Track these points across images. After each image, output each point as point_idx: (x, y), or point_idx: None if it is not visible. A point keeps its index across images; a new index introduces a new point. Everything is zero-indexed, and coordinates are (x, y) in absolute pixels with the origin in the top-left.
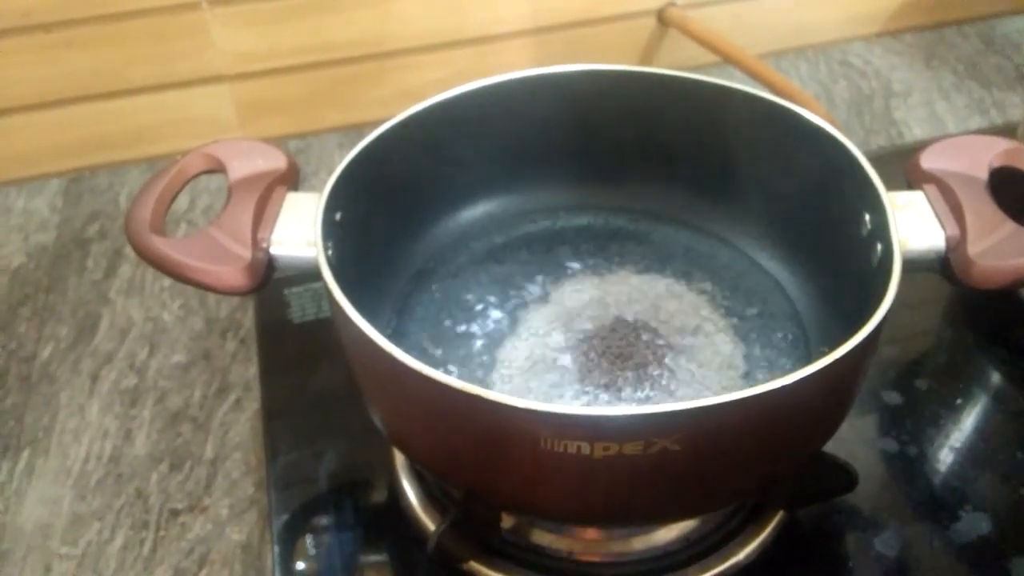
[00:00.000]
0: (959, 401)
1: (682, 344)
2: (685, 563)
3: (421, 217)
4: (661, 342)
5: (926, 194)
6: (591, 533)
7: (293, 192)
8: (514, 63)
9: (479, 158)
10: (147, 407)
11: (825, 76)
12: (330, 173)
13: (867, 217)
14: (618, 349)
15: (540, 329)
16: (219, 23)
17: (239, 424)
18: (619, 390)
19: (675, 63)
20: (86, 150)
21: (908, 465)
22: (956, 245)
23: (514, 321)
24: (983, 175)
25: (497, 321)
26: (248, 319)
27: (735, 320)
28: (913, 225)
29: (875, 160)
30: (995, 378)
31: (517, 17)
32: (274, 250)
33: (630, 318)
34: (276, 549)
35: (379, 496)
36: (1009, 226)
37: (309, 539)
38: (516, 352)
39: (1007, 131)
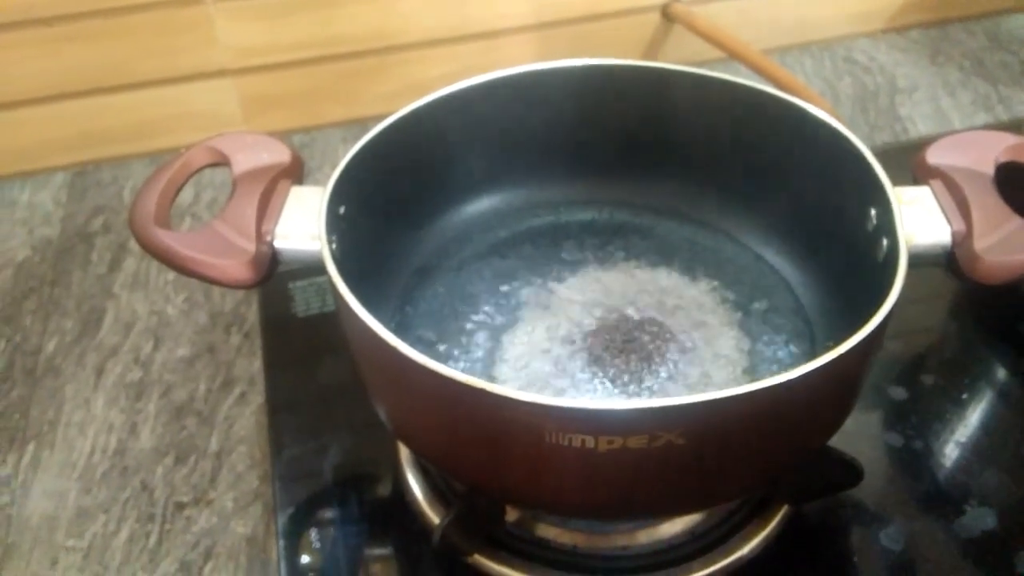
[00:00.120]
0: (964, 396)
1: (687, 338)
2: (690, 557)
3: (425, 211)
4: (665, 336)
5: (932, 189)
6: (595, 526)
7: (297, 186)
8: (518, 58)
9: (483, 153)
10: (152, 400)
11: (830, 72)
12: (334, 167)
13: (873, 212)
14: (622, 343)
15: (544, 323)
16: (223, 17)
17: (244, 418)
18: (623, 384)
19: (679, 59)
20: (90, 144)
21: (913, 460)
22: (962, 240)
23: (518, 315)
24: (989, 170)
25: (501, 315)
26: (252, 313)
27: (740, 315)
28: (919, 220)
29: (880, 156)
30: (1000, 373)
31: (521, 12)
32: (278, 244)
33: (634, 313)
34: (281, 542)
35: (384, 489)
36: (1015, 221)
37: (314, 532)
38: (520, 346)
39: (1013, 127)
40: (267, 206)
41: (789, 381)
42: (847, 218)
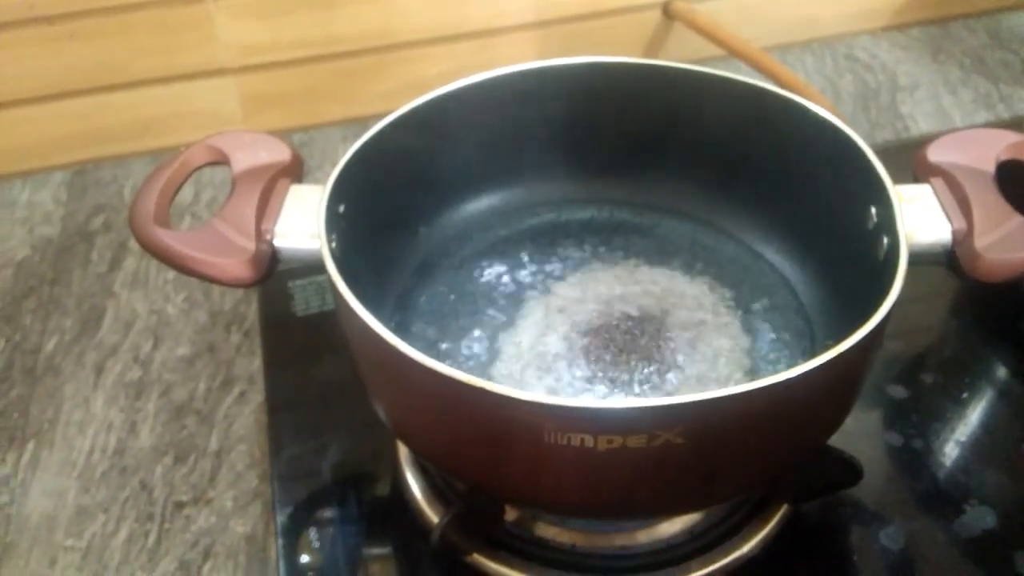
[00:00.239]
0: (965, 395)
1: (686, 337)
2: (689, 556)
3: (424, 210)
4: (666, 335)
5: (933, 187)
6: (595, 526)
7: (297, 184)
8: (517, 56)
9: (482, 151)
10: (151, 400)
11: (831, 70)
12: (333, 166)
13: (873, 210)
14: (622, 342)
15: (544, 322)
16: (223, 15)
17: (243, 417)
18: (623, 383)
19: (680, 57)
20: (90, 143)
21: (913, 459)
22: (963, 238)
23: (518, 314)
24: (990, 168)
25: (501, 314)
26: (252, 312)
27: (740, 313)
28: (920, 218)
29: (881, 154)
30: (1001, 372)
31: (520, 10)
32: (278, 242)
33: (634, 311)
34: (280, 541)
35: (383, 489)
36: (1016, 219)
37: (313, 531)
38: (520, 345)
39: (1014, 125)
40: (267, 205)
41: (789, 380)
42: (847, 216)
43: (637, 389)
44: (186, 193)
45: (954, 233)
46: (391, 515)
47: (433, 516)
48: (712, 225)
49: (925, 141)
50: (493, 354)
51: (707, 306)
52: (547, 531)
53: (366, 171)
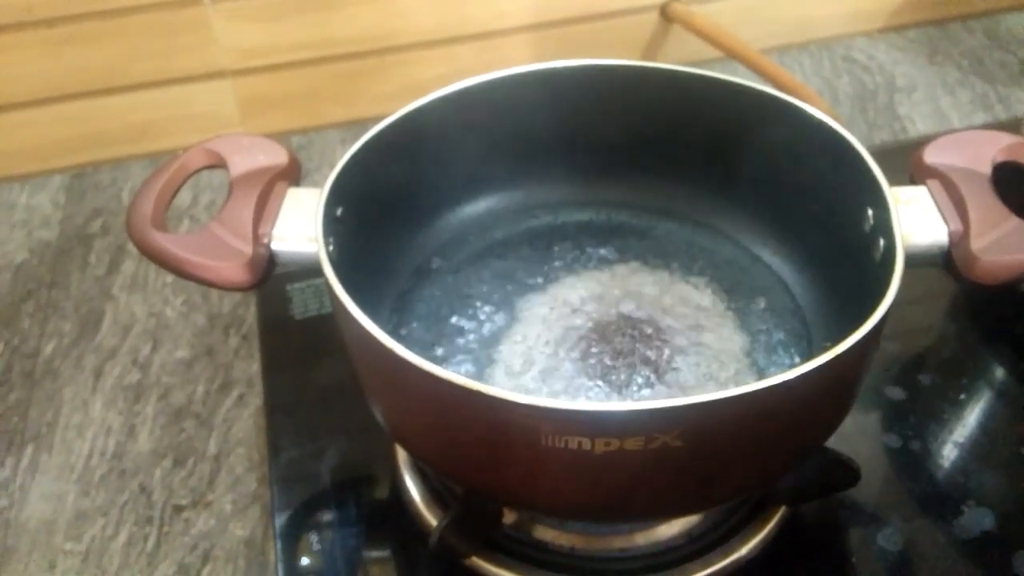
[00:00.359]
0: (962, 396)
1: (684, 339)
2: (687, 558)
3: (422, 212)
4: (663, 337)
5: (929, 189)
6: (593, 529)
7: (294, 187)
8: (516, 59)
9: (480, 153)
10: (150, 403)
11: (829, 71)
12: (332, 168)
13: (870, 212)
14: (620, 344)
15: (541, 325)
16: (221, 18)
17: (242, 420)
18: (620, 385)
19: (678, 59)
20: (89, 146)
21: (911, 460)
22: (959, 240)
23: (515, 317)
24: (986, 170)
25: (498, 317)
26: (251, 315)
27: (737, 315)
28: (916, 220)
29: (879, 155)
30: (999, 373)
31: (519, 13)
32: (275, 246)
33: (632, 313)
34: (279, 544)
35: (381, 492)
36: (1012, 221)
37: (312, 534)
38: (517, 348)
39: (1011, 126)
40: (264, 208)
41: (786, 382)
42: (844, 218)
43: (634, 391)
44: (184, 196)
45: (950, 235)
46: (389, 518)
47: (431, 519)
48: (709, 227)
49: (922, 143)
50: (490, 357)
51: (704, 308)
52: (545, 534)
53: (364, 174)
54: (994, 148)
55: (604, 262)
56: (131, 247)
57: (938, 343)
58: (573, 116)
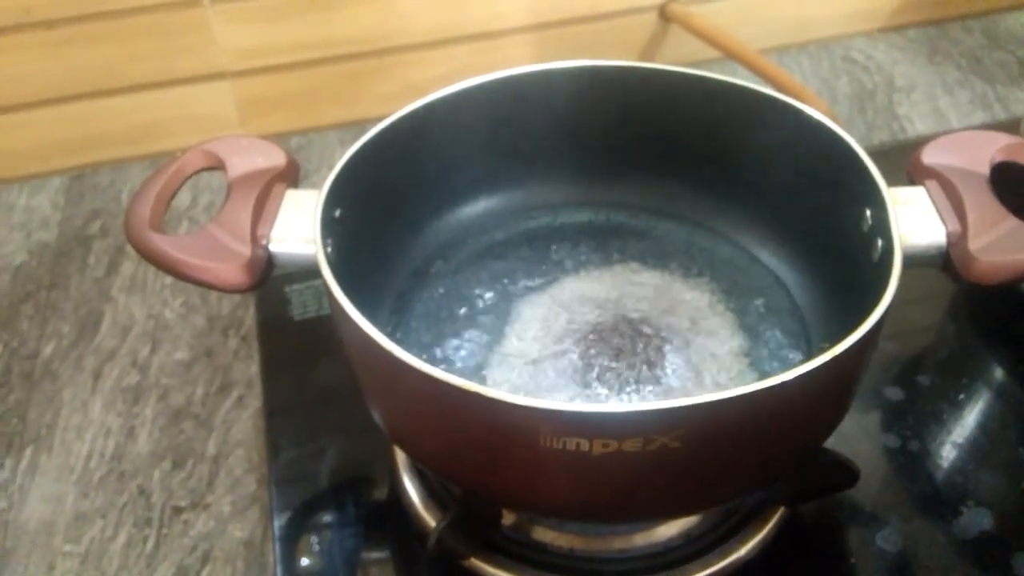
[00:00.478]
0: (961, 397)
1: (682, 340)
2: (687, 559)
3: (421, 213)
4: (661, 338)
5: (927, 189)
6: (592, 530)
7: (293, 189)
8: (515, 59)
9: (479, 154)
10: (149, 404)
11: (827, 72)
12: (331, 169)
13: (868, 213)
14: (618, 345)
15: (540, 326)
16: (221, 19)
17: (241, 421)
18: (619, 386)
19: (677, 59)
20: (88, 147)
21: (910, 461)
22: (957, 240)
23: (514, 318)
24: (984, 170)
25: (497, 318)
26: (250, 316)
27: (736, 316)
28: (914, 220)
29: (877, 155)
30: (997, 373)
31: (518, 13)
32: (273, 247)
33: (630, 314)
34: (278, 546)
35: (380, 493)
36: (1010, 221)
37: (311, 536)
38: (516, 349)
39: (1010, 126)
40: (262, 210)
41: (784, 383)
42: (843, 219)
43: (633, 392)
44: (184, 198)
45: (948, 235)
46: (388, 519)
47: (430, 520)
48: (708, 228)
49: (920, 143)
50: (489, 358)
51: (703, 309)
52: (544, 535)
53: (362, 175)
54: (992, 148)
55: (603, 263)
56: (130, 249)
57: (937, 343)
58: (572, 117)
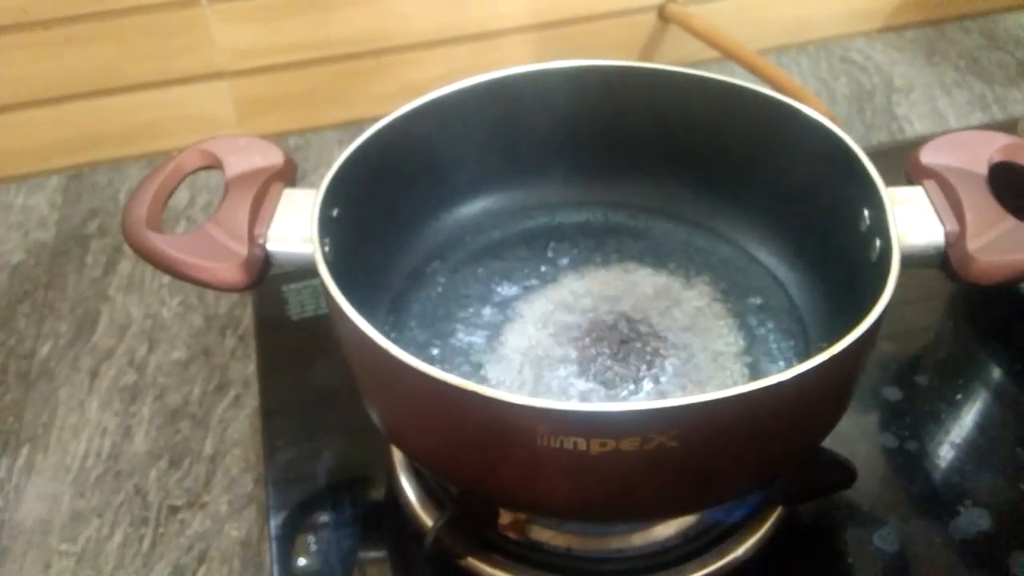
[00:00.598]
0: (959, 397)
1: (680, 340)
2: (684, 559)
3: (419, 213)
4: (659, 337)
5: (925, 189)
6: (589, 529)
7: (290, 188)
8: (514, 59)
9: (477, 154)
10: (146, 404)
11: (826, 72)
12: (329, 169)
13: (866, 212)
14: (616, 345)
15: (538, 325)
16: (218, 19)
17: (238, 421)
18: (616, 386)
19: (676, 59)
20: (86, 147)
21: (908, 460)
22: (955, 240)
23: (512, 317)
24: (983, 170)
25: (495, 317)
26: (247, 316)
27: (734, 315)
28: (912, 220)
29: (876, 155)
30: (995, 374)
31: (517, 13)
32: (271, 246)
33: (628, 314)
34: (275, 546)
35: (377, 492)
36: (1009, 221)
37: (308, 535)
38: (513, 348)
39: (1009, 127)
40: (259, 209)
41: (782, 382)
42: (841, 218)
43: (631, 392)
44: (182, 197)
45: (947, 235)
46: (386, 519)
47: (427, 520)
48: (706, 228)
49: (918, 143)
50: (486, 358)
51: (701, 308)
52: (542, 534)
53: (360, 175)
54: (990, 148)
55: (601, 263)
56: (127, 248)
57: (935, 343)
58: (570, 116)
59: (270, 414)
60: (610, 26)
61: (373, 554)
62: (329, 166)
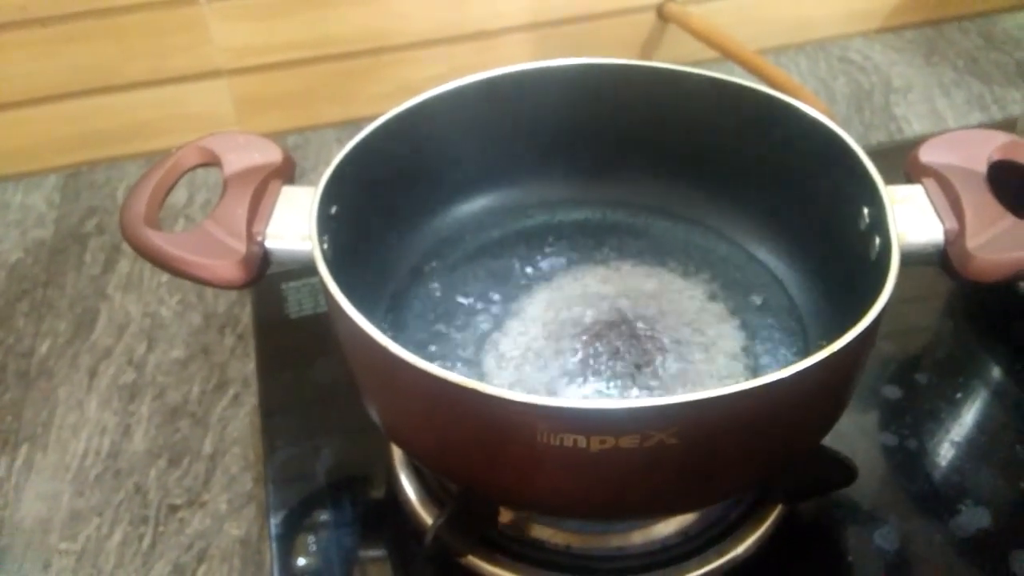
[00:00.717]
0: (959, 395)
1: (679, 337)
2: (684, 557)
3: (418, 211)
4: (658, 335)
5: (925, 188)
6: (589, 527)
7: (289, 186)
8: (512, 58)
9: (476, 152)
10: (145, 402)
11: (825, 72)
12: (328, 167)
13: (866, 211)
14: (616, 342)
15: (537, 323)
16: (217, 17)
17: (237, 419)
18: (616, 383)
19: (675, 59)
20: (84, 145)
21: (908, 459)
22: (955, 239)
23: (511, 315)
24: (982, 169)
25: (494, 315)
26: (246, 314)
27: (733, 314)
28: (911, 219)
29: (874, 155)
30: (995, 372)
31: (516, 12)
32: (269, 244)
33: (628, 312)
34: (274, 544)
35: (377, 491)
36: (1008, 219)
37: (307, 534)
38: (513, 346)
39: (1007, 127)
40: (258, 206)
41: (781, 380)
42: (840, 217)
43: (630, 389)
44: (180, 195)
45: (946, 233)
46: (385, 517)
47: (427, 518)
48: (706, 226)
49: (918, 141)
50: (486, 355)
51: (700, 306)
52: (542, 532)
53: (358, 173)
54: (990, 147)
55: (600, 261)
56: (126, 246)
57: (934, 342)
58: (569, 115)
59: (269, 413)
60: (609, 25)
61: (373, 552)
62: (327, 164)
